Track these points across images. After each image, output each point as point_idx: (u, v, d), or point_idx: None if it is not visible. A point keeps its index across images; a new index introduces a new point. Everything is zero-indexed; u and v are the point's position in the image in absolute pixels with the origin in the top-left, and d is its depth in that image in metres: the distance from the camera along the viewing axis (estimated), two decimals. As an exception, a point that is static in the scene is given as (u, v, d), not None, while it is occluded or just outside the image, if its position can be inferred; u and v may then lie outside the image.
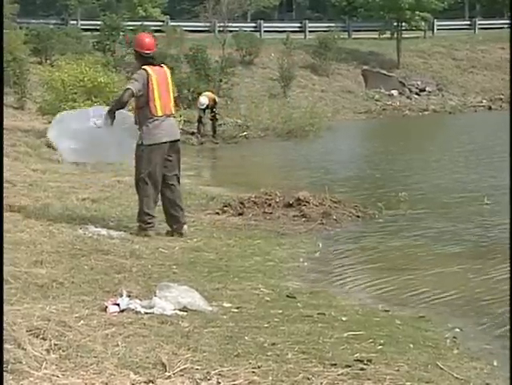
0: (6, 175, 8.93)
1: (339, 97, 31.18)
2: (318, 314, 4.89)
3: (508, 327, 4.61)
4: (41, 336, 3.87)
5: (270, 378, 3.65)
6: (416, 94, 32.89)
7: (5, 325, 3.74)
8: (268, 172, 14.46)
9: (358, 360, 3.94)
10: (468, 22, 41.14)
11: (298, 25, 38.20)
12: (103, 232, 7.02)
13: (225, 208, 8.68)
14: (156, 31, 29.56)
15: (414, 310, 5.27)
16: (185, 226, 7.37)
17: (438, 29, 38.61)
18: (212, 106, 19.53)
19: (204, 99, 19.53)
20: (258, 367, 3.77)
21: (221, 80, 25.74)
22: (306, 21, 38.56)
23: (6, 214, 7.07)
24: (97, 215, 7.85)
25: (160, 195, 7.31)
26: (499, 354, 4.30)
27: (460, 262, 6.65)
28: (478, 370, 4.05)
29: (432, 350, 4.28)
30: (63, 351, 3.76)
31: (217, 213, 8.59)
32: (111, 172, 11.19)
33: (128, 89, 7.18)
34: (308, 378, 3.67)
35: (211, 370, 3.69)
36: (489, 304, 5.44)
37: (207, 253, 6.65)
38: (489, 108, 31.13)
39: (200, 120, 19.63)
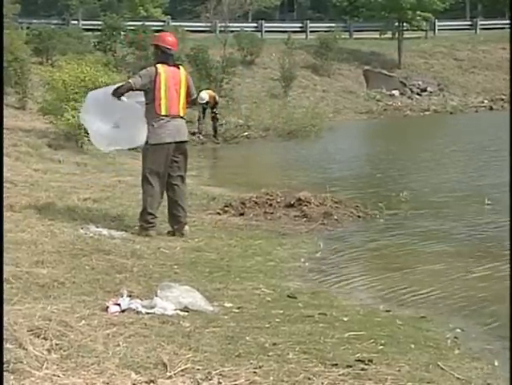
0: (7, 175, 8.95)
1: (341, 97, 31.19)
2: (320, 314, 4.89)
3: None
4: (42, 336, 3.87)
5: (271, 378, 3.65)
6: (418, 94, 32.91)
7: (6, 325, 3.74)
8: (269, 172, 14.45)
9: (359, 360, 3.94)
10: (469, 23, 41.19)
11: (300, 25, 38.24)
12: (105, 232, 7.03)
13: (227, 209, 8.68)
14: (158, 31, 29.58)
15: (415, 310, 5.27)
16: (186, 227, 7.37)
17: (439, 29, 38.64)
18: (212, 105, 19.51)
19: (204, 95, 19.54)
20: (259, 367, 3.76)
21: (222, 80, 25.74)
22: (308, 21, 38.60)
23: (7, 214, 7.08)
24: (98, 215, 7.85)
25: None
26: (500, 355, 4.30)
27: (461, 262, 6.65)
28: (479, 371, 4.05)
29: (433, 351, 4.28)
30: (64, 351, 3.76)
31: (218, 213, 8.59)
32: (113, 172, 11.20)
33: (128, 82, 7.20)
34: (309, 379, 3.67)
35: (212, 370, 3.69)
36: (490, 304, 5.44)
37: (208, 253, 6.66)
38: (491, 108, 31.14)
39: (200, 120, 19.65)
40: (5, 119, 13.05)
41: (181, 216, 7.34)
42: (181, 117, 7.33)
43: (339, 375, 3.72)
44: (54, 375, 3.48)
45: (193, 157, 16.07)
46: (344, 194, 9.89)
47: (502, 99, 31.73)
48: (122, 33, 28.31)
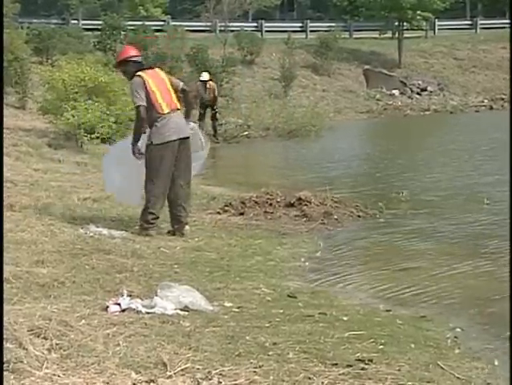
0: (7, 174, 8.95)
1: (341, 97, 31.18)
2: (320, 313, 4.89)
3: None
4: (42, 335, 3.87)
5: (271, 377, 3.65)
6: (418, 94, 32.90)
7: (6, 324, 3.75)
8: (269, 171, 14.45)
9: (359, 360, 3.94)
10: (469, 22, 41.17)
11: (300, 24, 38.22)
12: (105, 231, 7.03)
13: (227, 208, 8.68)
14: (158, 31, 29.62)
15: (415, 309, 5.26)
16: (187, 226, 7.37)
17: (439, 28, 38.62)
18: (212, 102, 19.46)
19: (205, 74, 19.77)
20: (259, 367, 3.76)
21: (222, 80, 25.73)
22: (308, 20, 38.58)
23: (7, 214, 7.09)
24: (98, 214, 7.86)
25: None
26: (500, 354, 4.30)
27: (462, 262, 6.65)
28: (479, 370, 4.05)
29: (433, 350, 4.28)
30: (64, 351, 3.76)
31: (219, 213, 8.60)
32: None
33: (139, 106, 7.09)
34: (309, 378, 3.67)
35: (212, 369, 3.69)
36: (490, 303, 5.44)
37: (208, 253, 6.66)
38: (491, 108, 31.12)
39: (200, 119, 19.64)
40: (5, 119, 13.07)
41: (182, 216, 7.33)
42: (179, 109, 7.39)
43: (339, 375, 3.72)
44: (54, 375, 3.48)
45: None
46: (344, 194, 9.89)
47: (502, 99, 31.72)
48: (122, 32, 28.30)
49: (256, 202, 8.68)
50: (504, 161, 11.83)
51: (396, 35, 35.67)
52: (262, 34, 35.07)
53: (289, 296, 5.35)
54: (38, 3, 51.88)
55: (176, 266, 6.04)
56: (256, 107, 22.36)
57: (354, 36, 37.25)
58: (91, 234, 6.89)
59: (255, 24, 36.87)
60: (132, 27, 29.01)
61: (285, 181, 11.67)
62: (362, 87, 32.49)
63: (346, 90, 31.93)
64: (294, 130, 20.44)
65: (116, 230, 7.14)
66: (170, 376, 3.59)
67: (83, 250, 6.23)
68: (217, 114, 19.81)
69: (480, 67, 35.81)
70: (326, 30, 34.23)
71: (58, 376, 3.48)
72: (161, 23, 34.10)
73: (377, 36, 36.24)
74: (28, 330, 3.87)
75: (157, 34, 28.43)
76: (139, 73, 7.19)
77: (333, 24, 36.79)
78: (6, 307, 4.02)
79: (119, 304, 4.65)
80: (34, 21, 30.76)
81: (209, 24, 32.56)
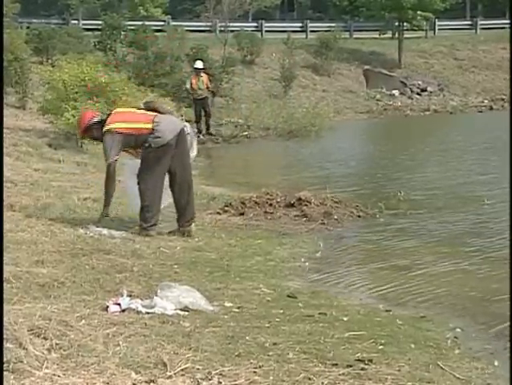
0: (7, 174, 8.95)
1: (341, 97, 31.16)
2: (320, 313, 4.89)
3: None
4: (42, 335, 3.87)
5: (271, 377, 3.65)
6: (418, 94, 32.87)
7: (6, 324, 3.74)
8: (269, 171, 14.46)
9: (359, 360, 3.94)
10: (469, 22, 41.15)
11: (300, 25, 38.19)
12: (105, 231, 7.02)
13: (227, 208, 8.68)
14: (158, 31, 29.57)
15: (415, 309, 5.27)
16: (193, 226, 7.38)
17: (440, 29, 38.60)
18: (204, 96, 19.63)
19: (200, 63, 20.10)
20: (259, 367, 3.76)
21: (222, 80, 25.72)
22: (308, 21, 38.55)
23: (7, 213, 7.09)
24: (98, 214, 7.84)
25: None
26: (500, 354, 4.31)
27: (462, 262, 6.65)
28: (479, 370, 4.05)
29: (433, 350, 4.28)
30: (64, 351, 3.76)
31: (218, 213, 8.60)
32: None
33: (109, 165, 7.15)
34: (309, 378, 3.67)
35: (212, 369, 3.69)
36: (490, 303, 5.44)
37: (208, 253, 6.66)
38: (491, 108, 31.09)
39: (198, 120, 19.67)
40: (5, 119, 13.07)
41: (178, 218, 7.37)
42: (158, 111, 7.44)
43: (339, 375, 3.72)
44: (54, 375, 3.48)
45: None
46: (344, 194, 9.89)
47: (503, 99, 31.70)
48: (122, 32, 28.29)
49: (256, 202, 8.68)
50: (504, 160, 11.84)
51: (396, 35, 35.66)
52: (262, 35, 35.06)
53: (289, 296, 5.35)
54: (38, 3, 51.87)
55: (176, 266, 6.04)
56: (256, 107, 22.35)
57: (354, 36, 37.23)
58: (91, 234, 6.89)
59: (255, 24, 36.85)
60: (132, 27, 28.97)
61: (285, 181, 11.67)
62: (362, 87, 32.48)
63: (346, 90, 31.91)
64: (294, 130, 20.43)
65: (116, 230, 7.14)
66: (170, 376, 3.59)
67: (83, 250, 6.23)
68: (208, 111, 19.79)
69: (480, 68, 35.79)
70: (326, 30, 34.19)
71: (59, 376, 3.48)
72: (161, 23, 34.06)
73: (377, 36, 36.22)
74: (28, 330, 3.87)
75: (157, 34, 28.40)
76: (108, 127, 7.19)
77: (333, 24, 36.73)
78: (6, 307, 4.02)
79: (119, 304, 4.65)
80: (34, 21, 30.74)
81: (209, 24, 32.53)
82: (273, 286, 5.61)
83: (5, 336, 3.60)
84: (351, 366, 3.84)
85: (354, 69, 33.48)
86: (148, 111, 7.41)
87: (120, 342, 3.98)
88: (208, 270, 5.99)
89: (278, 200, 8.76)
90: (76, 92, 14.88)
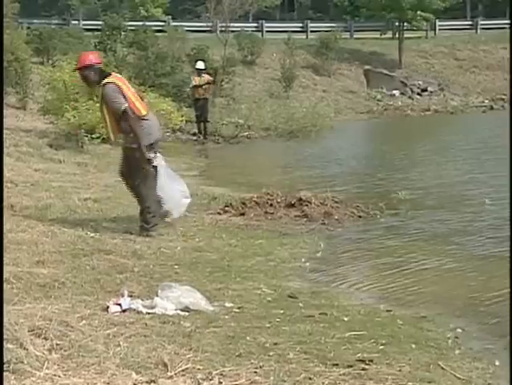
0: (8, 175, 8.95)
1: (341, 97, 31.18)
2: (320, 314, 4.89)
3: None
4: (43, 336, 3.87)
5: (272, 378, 3.65)
6: (418, 94, 32.89)
7: (7, 325, 3.74)
8: (270, 172, 14.44)
9: (360, 360, 3.94)
10: (470, 22, 41.16)
11: (300, 25, 38.23)
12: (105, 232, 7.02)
13: (227, 208, 8.68)
14: (158, 31, 29.60)
15: (416, 309, 5.26)
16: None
17: (440, 29, 38.62)
18: (204, 105, 19.55)
19: (201, 63, 20.07)
20: (260, 367, 3.77)
21: (222, 80, 25.72)
22: (308, 21, 38.60)
23: (7, 214, 7.09)
24: (99, 215, 7.85)
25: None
26: (501, 354, 4.30)
27: (462, 262, 6.65)
28: (480, 370, 4.05)
29: (434, 350, 4.28)
30: (65, 351, 3.76)
31: (219, 213, 8.60)
32: (113, 172, 11.16)
33: (125, 108, 7.00)
34: (310, 378, 3.67)
35: (213, 370, 3.69)
36: (491, 304, 5.43)
37: (209, 253, 6.66)
38: (491, 108, 31.09)
39: (198, 120, 19.65)
40: (5, 119, 13.06)
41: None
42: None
43: (340, 375, 3.72)
44: (54, 375, 3.48)
45: (194, 157, 16.18)
46: (345, 194, 9.88)
47: (503, 99, 31.69)
48: (122, 33, 28.30)
49: (256, 202, 8.68)
50: (504, 160, 11.82)
51: (397, 35, 35.68)
52: (262, 35, 35.09)
53: (289, 296, 5.35)
54: (39, 3, 51.84)
55: (176, 267, 6.04)
56: (256, 108, 22.32)
57: (354, 36, 37.26)
58: (92, 234, 6.89)
59: (256, 24, 36.89)
60: (132, 28, 28.99)
61: (285, 181, 11.66)
62: (362, 87, 32.49)
63: (346, 90, 31.93)
64: (294, 130, 20.41)
65: (117, 230, 7.13)
66: (171, 376, 3.59)
67: (83, 251, 6.24)
68: (206, 113, 19.73)
69: (480, 68, 35.80)
70: (326, 31, 34.22)
71: (59, 376, 3.48)
72: (162, 23, 34.10)
73: (378, 36, 36.24)
74: (29, 331, 3.87)
75: (158, 34, 28.41)
76: (110, 79, 7.17)
77: (333, 24, 36.80)
78: (6, 307, 4.02)
79: (119, 304, 4.65)
80: (35, 21, 30.79)
81: (209, 24, 32.53)
82: (273, 286, 5.61)
83: (5, 336, 3.60)
84: (351, 366, 3.84)
85: (354, 69, 33.49)
86: None
87: (121, 343, 3.98)
88: (208, 270, 5.99)
89: (279, 200, 8.75)
90: (77, 92, 14.88)
